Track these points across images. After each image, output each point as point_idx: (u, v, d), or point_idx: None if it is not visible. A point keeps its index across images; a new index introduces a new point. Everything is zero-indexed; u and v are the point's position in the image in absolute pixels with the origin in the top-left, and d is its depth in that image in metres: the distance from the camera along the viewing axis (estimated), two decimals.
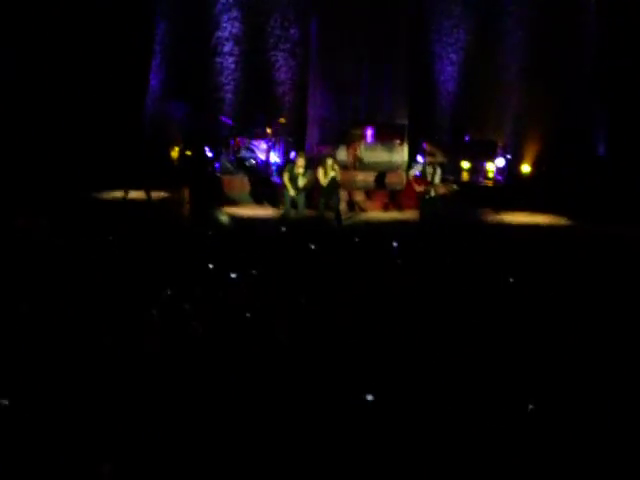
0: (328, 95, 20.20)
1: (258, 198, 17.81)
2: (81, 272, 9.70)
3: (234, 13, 21.24)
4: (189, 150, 19.46)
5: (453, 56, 21.18)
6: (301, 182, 15.05)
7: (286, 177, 15.20)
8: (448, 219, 15.04)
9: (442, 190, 15.02)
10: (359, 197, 17.78)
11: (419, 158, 19.25)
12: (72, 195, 16.31)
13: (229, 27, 21.29)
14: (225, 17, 21.23)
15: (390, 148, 19.61)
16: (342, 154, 18.83)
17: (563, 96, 20.24)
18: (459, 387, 6.42)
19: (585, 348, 7.35)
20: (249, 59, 21.38)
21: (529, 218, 16.51)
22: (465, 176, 19.38)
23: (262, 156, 19.58)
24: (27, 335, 7.31)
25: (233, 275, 9.85)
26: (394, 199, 17.71)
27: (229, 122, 20.53)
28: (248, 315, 8.09)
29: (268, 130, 19.66)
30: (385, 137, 19.62)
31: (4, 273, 9.42)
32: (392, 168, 19.17)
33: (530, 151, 20.31)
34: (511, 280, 9.78)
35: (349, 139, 19.33)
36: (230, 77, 21.46)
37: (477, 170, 19.62)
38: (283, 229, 12.94)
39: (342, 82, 20.04)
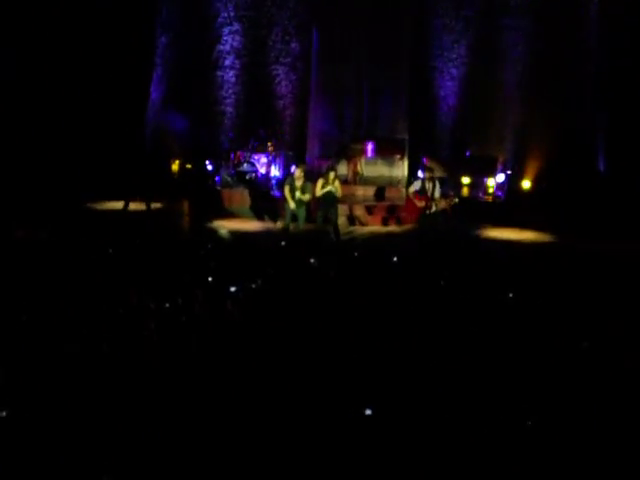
0: (329, 109, 20.24)
1: (258, 212, 17.79)
2: (80, 283, 9.66)
3: (235, 27, 21.28)
4: (189, 163, 19.46)
5: (454, 71, 21.21)
6: (301, 195, 14.96)
7: (287, 190, 15.11)
8: (444, 235, 15.01)
9: (442, 205, 14.97)
10: (359, 211, 17.77)
11: (419, 173, 19.26)
12: (72, 205, 16.30)
13: (230, 41, 21.33)
14: (226, 30, 21.27)
15: (390, 163, 19.67)
16: (342, 168, 18.86)
17: (564, 111, 20.25)
18: (456, 396, 6.41)
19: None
20: (250, 73, 21.42)
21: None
22: (465, 191, 19.37)
23: (262, 170, 19.60)
24: (24, 343, 7.28)
25: (232, 288, 9.81)
26: (394, 214, 17.69)
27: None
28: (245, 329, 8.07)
29: (269, 144, 19.68)
30: (385, 152, 19.67)
31: (4, 284, 9.38)
32: (392, 183, 19.22)
33: (531, 167, 20.31)
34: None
35: (349, 153, 19.36)
36: (231, 90, 21.48)
37: (477, 185, 19.62)
38: (282, 243, 12.88)
39: (343, 96, 20.09)
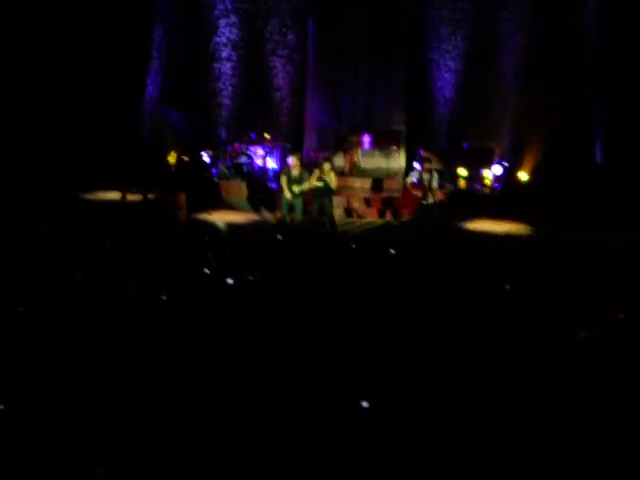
0: (325, 101, 20.25)
1: (255, 204, 17.79)
2: (78, 274, 9.66)
3: (232, 19, 21.23)
4: (186, 155, 19.43)
5: (451, 63, 21.16)
6: (297, 185, 14.95)
7: (283, 180, 15.11)
8: (439, 227, 15.03)
9: (439, 196, 14.99)
10: (356, 203, 17.77)
11: (416, 165, 19.26)
12: (69, 196, 16.29)
13: (227, 33, 21.28)
14: (223, 22, 21.22)
15: (387, 154, 19.69)
16: (339, 160, 18.87)
17: (562, 103, 20.21)
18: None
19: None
20: (247, 65, 21.36)
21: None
22: (462, 183, 19.37)
23: (259, 162, 19.59)
24: (23, 336, 7.29)
25: (229, 280, 9.81)
26: (391, 205, 17.69)
27: None
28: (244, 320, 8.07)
29: (266, 136, 19.67)
30: (382, 143, 19.69)
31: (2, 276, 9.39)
32: (389, 174, 19.23)
33: (528, 158, 20.28)
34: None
35: (346, 145, 19.38)
36: (227, 82, 21.44)
37: (474, 177, 19.62)
38: (279, 237, 12.87)
39: (340, 88, 20.11)
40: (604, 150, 20.40)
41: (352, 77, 20.13)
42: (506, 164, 20.28)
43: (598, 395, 6.31)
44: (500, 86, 21.06)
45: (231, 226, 15.62)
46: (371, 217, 17.48)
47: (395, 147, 19.62)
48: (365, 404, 6.08)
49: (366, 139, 19.57)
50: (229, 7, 21.19)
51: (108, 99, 19.37)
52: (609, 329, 7.99)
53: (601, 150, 20.45)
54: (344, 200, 17.49)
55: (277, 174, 18.00)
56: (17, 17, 19.23)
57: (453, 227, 15.75)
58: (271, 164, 19.63)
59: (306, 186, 14.95)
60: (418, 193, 14.99)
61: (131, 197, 16.98)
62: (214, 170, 19.36)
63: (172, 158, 19.39)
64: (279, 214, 15.94)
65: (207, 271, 10.25)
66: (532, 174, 19.94)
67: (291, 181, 14.94)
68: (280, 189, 15.54)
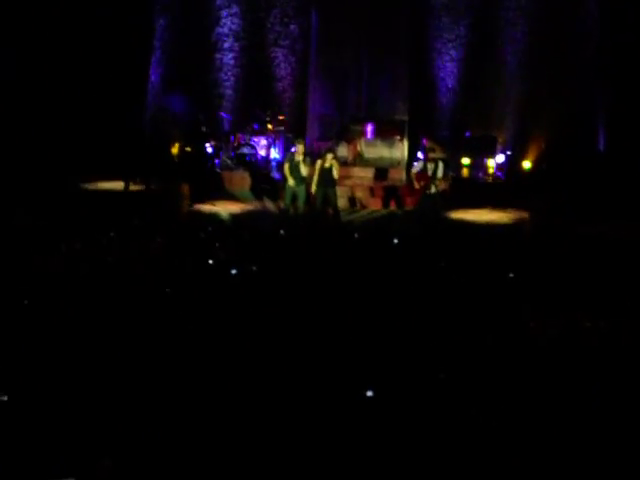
0: (328, 91, 20.23)
1: (258, 194, 17.79)
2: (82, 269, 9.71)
3: (234, 9, 21.18)
4: (189, 146, 19.41)
5: (453, 52, 21.10)
6: (303, 170, 14.93)
7: (286, 167, 15.10)
8: (440, 217, 15.04)
9: (442, 186, 14.97)
10: (360, 193, 17.77)
11: (419, 154, 19.24)
12: (70, 186, 16.34)
13: (229, 23, 21.24)
14: (224, 13, 21.17)
15: (390, 144, 19.65)
16: (342, 150, 18.85)
17: (565, 91, 20.17)
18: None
19: None
20: (249, 55, 21.33)
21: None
22: (465, 172, 19.34)
23: (262, 152, 19.57)
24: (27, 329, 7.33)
25: (233, 271, 9.84)
26: (395, 195, 17.68)
27: (228, 117, 20.60)
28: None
29: (269, 126, 19.65)
30: (385, 133, 19.66)
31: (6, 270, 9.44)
32: (392, 164, 19.21)
33: (532, 147, 20.25)
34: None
35: (349, 135, 19.36)
36: (230, 73, 21.41)
37: (477, 166, 19.60)
38: (281, 232, 12.86)
39: (342, 78, 20.08)
40: (607, 138, 20.35)
41: (354, 67, 20.09)
42: (509, 153, 20.25)
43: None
44: (503, 75, 21.00)
45: (234, 216, 15.63)
46: (375, 207, 17.47)
47: (398, 137, 19.58)
48: (369, 393, 6.10)
49: (369, 129, 19.54)
50: None
51: (111, 90, 19.37)
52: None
53: (604, 138, 20.40)
54: (348, 190, 17.48)
55: (280, 164, 17.98)
56: (18, 9, 19.19)
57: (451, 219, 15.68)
58: (274, 154, 19.61)
59: (309, 171, 14.95)
60: (421, 183, 14.98)
61: (134, 187, 17.00)
62: (217, 161, 19.35)
63: (175, 149, 19.38)
64: (282, 204, 15.93)
65: (211, 262, 10.29)
66: (535, 163, 19.91)
67: (294, 167, 14.94)
68: (283, 178, 15.53)
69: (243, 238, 12.46)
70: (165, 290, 8.82)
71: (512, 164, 19.87)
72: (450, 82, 21.26)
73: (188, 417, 5.78)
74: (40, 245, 10.92)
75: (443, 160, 15.53)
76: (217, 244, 11.62)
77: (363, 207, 17.42)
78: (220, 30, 21.30)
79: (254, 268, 10.12)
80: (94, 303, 8.26)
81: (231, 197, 17.54)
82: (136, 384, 6.27)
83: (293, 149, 15.71)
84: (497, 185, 19.02)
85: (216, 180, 18.35)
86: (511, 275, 10.06)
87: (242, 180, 18.48)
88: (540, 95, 20.30)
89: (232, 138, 19.68)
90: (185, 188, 16.53)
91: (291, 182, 14.94)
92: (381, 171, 18.77)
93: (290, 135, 19.76)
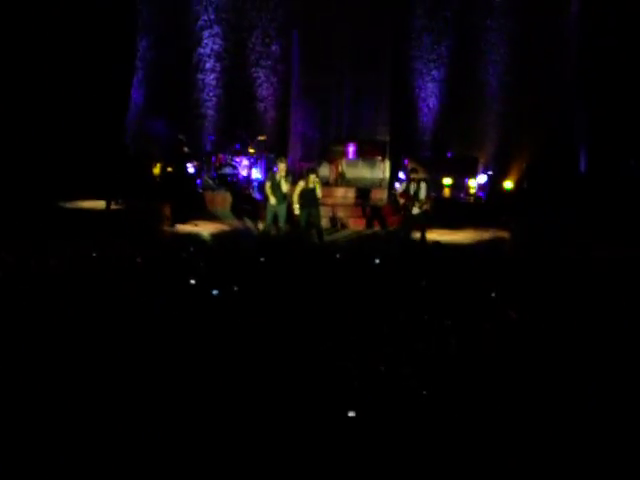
0: (310, 111, 20.28)
1: (239, 214, 17.76)
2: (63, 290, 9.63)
3: (215, 29, 21.22)
4: (171, 166, 19.37)
5: (434, 72, 21.22)
6: (284, 187, 14.88)
7: (268, 185, 15.05)
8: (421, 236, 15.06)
9: (426, 206, 14.98)
10: (342, 213, 17.76)
11: (401, 174, 19.30)
12: (50, 204, 16.26)
13: (210, 44, 21.27)
14: (206, 33, 21.21)
15: (372, 164, 19.72)
16: (324, 170, 18.87)
17: (546, 112, 20.30)
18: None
19: None
20: (231, 75, 21.36)
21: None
22: (447, 192, 19.41)
23: (244, 172, 19.56)
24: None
25: (214, 292, 9.78)
26: (378, 215, 17.70)
27: (210, 138, 20.63)
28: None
29: (250, 150, 19.67)
30: (367, 153, 19.73)
31: None
32: (374, 184, 19.24)
33: (513, 167, 20.34)
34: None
35: (331, 155, 19.39)
36: (212, 94, 21.42)
37: (459, 186, 19.66)
38: (262, 255, 12.79)
39: (324, 98, 20.13)
40: (588, 159, 20.46)
41: (336, 87, 20.16)
42: (490, 173, 20.34)
43: None
44: (484, 95, 21.14)
45: (215, 237, 15.58)
46: (357, 227, 17.45)
47: (380, 157, 19.64)
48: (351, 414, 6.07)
49: (350, 149, 19.59)
50: (212, 18, 21.17)
51: (93, 109, 19.30)
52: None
53: (585, 159, 20.52)
54: (329, 210, 17.47)
55: (262, 184, 17.96)
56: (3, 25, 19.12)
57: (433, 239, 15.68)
58: (256, 174, 19.61)
59: (289, 189, 14.91)
60: (403, 203, 15.03)
61: (115, 207, 16.91)
62: (199, 181, 19.32)
63: (156, 169, 19.32)
64: (262, 225, 15.88)
65: (192, 282, 10.23)
66: (517, 183, 19.99)
67: (276, 186, 14.90)
68: (265, 197, 15.48)
69: (224, 258, 12.41)
70: (143, 310, 8.75)
71: (493, 184, 19.95)
72: (431, 102, 21.36)
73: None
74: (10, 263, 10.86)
75: (425, 180, 15.55)
76: (200, 264, 11.58)
77: (343, 227, 17.40)
78: (202, 51, 21.32)
79: (235, 288, 10.07)
80: (70, 321, 8.18)
81: (213, 217, 17.51)
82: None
83: (275, 169, 15.69)
84: (478, 205, 19.07)
85: (198, 200, 18.31)
86: (492, 295, 10.09)
87: (224, 200, 18.47)
88: (521, 115, 20.42)
89: (214, 158, 19.68)
90: (166, 208, 16.45)
91: (272, 201, 14.90)
92: (363, 191, 18.80)
93: (272, 155, 19.77)
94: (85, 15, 19.67)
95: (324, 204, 16.52)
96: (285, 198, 14.98)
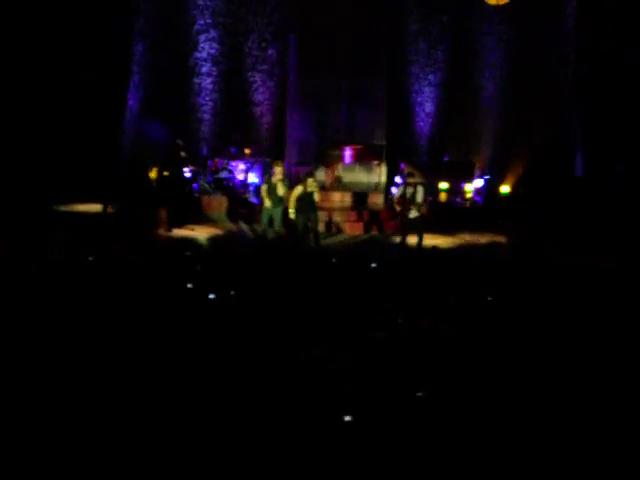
0: (306, 116, 20.28)
1: (236, 218, 17.73)
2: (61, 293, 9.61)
3: (212, 34, 21.20)
4: (167, 170, 19.33)
5: (431, 77, 21.24)
6: (280, 190, 14.84)
7: (264, 189, 15.01)
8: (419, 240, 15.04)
9: (424, 210, 14.97)
10: (338, 217, 17.74)
11: (397, 179, 19.29)
12: (45, 208, 16.25)
13: (207, 48, 21.25)
14: (203, 38, 21.19)
15: (368, 169, 19.71)
16: (321, 175, 18.86)
17: (543, 116, 20.32)
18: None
19: None
20: (227, 80, 21.34)
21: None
22: (443, 197, 19.40)
23: (240, 177, 19.54)
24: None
25: (211, 296, 9.77)
26: (375, 219, 17.69)
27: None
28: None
29: (246, 151, 19.66)
30: (363, 158, 19.71)
31: None
32: (370, 189, 19.23)
33: (510, 172, 20.36)
34: None
35: (327, 160, 19.38)
36: (208, 98, 21.39)
37: (455, 191, 19.67)
38: (258, 260, 12.76)
39: (320, 103, 20.13)
40: (585, 163, 20.48)
41: (333, 92, 20.15)
42: (487, 177, 20.34)
43: None
44: (480, 99, 21.16)
45: (211, 240, 15.56)
46: (355, 231, 17.44)
47: (376, 161, 19.63)
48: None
49: (347, 153, 19.58)
50: (209, 22, 21.16)
51: (89, 114, 19.28)
52: None
53: (582, 163, 20.53)
54: (326, 214, 17.45)
55: (258, 188, 17.93)
56: None
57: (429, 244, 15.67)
58: (252, 179, 19.58)
59: (286, 192, 14.88)
60: (399, 207, 15.02)
61: (111, 210, 16.90)
62: (195, 185, 19.30)
63: (153, 173, 19.28)
64: (258, 229, 15.85)
65: (189, 286, 10.22)
66: (513, 187, 20.00)
67: (272, 189, 14.86)
68: (261, 201, 15.45)
69: (220, 262, 12.40)
70: (139, 314, 8.73)
71: (490, 188, 19.94)
72: (428, 106, 21.37)
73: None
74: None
75: (422, 184, 15.54)
76: (197, 267, 11.57)
77: (339, 231, 17.38)
78: (198, 55, 21.30)
79: (232, 292, 10.05)
80: (66, 324, 8.15)
81: (209, 221, 17.49)
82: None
83: (273, 170, 15.64)
84: (475, 210, 19.06)
85: (194, 204, 18.28)
86: (489, 299, 10.08)
87: (220, 204, 18.43)
88: (518, 120, 20.44)
89: (210, 163, 19.66)
90: (163, 212, 16.42)
91: (268, 204, 14.86)
92: (360, 195, 18.80)
93: (268, 159, 19.75)
94: (81, 19, 19.65)
95: (321, 208, 16.49)
96: (281, 201, 14.95)
